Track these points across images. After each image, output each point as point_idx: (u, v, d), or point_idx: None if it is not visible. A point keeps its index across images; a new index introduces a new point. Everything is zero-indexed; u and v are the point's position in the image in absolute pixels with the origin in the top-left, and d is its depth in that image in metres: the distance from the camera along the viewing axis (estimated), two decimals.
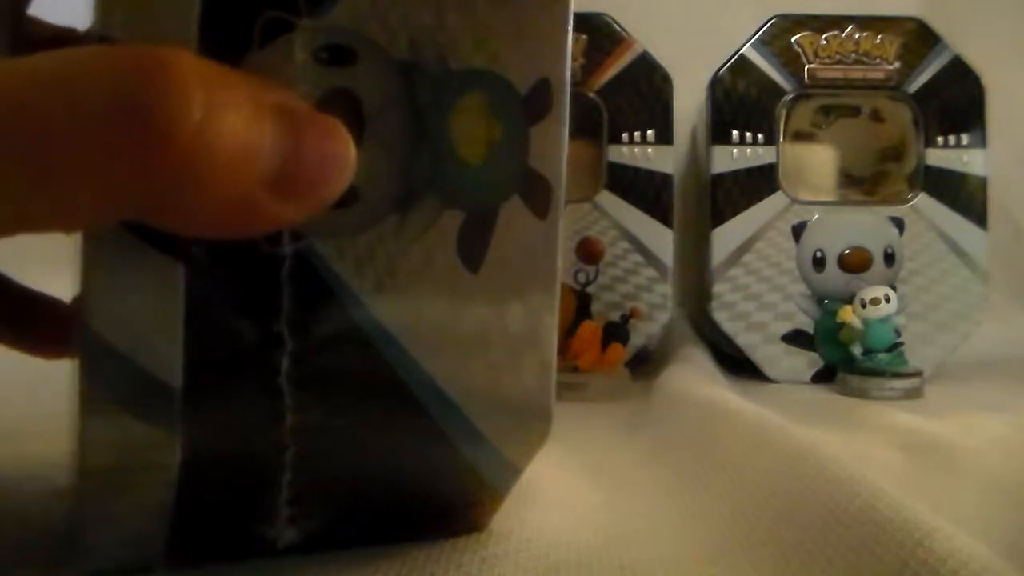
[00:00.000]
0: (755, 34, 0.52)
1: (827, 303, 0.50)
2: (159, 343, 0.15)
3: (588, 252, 0.50)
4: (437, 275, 0.17)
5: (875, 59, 0.51)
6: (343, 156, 0.14)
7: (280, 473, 0.17)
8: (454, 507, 0.20)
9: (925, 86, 0.51)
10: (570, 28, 0.17)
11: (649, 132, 0.51)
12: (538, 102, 0.17)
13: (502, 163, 0.17)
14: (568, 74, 0.18)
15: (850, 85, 0.52)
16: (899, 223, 0.51)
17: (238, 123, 0.13)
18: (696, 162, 0.60)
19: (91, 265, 0.14)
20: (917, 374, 0.46)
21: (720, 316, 0.51)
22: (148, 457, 0.16)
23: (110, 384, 0.15)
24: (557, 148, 0.18)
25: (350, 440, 0.17)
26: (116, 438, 0.15)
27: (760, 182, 0.51)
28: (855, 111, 0.54)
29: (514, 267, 0.18)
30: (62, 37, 0.21)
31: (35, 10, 0.21)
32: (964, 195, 0.51)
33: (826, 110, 0.53)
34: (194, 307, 0.15)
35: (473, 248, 0.17)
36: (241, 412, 0.16)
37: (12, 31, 0.19)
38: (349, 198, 0.16)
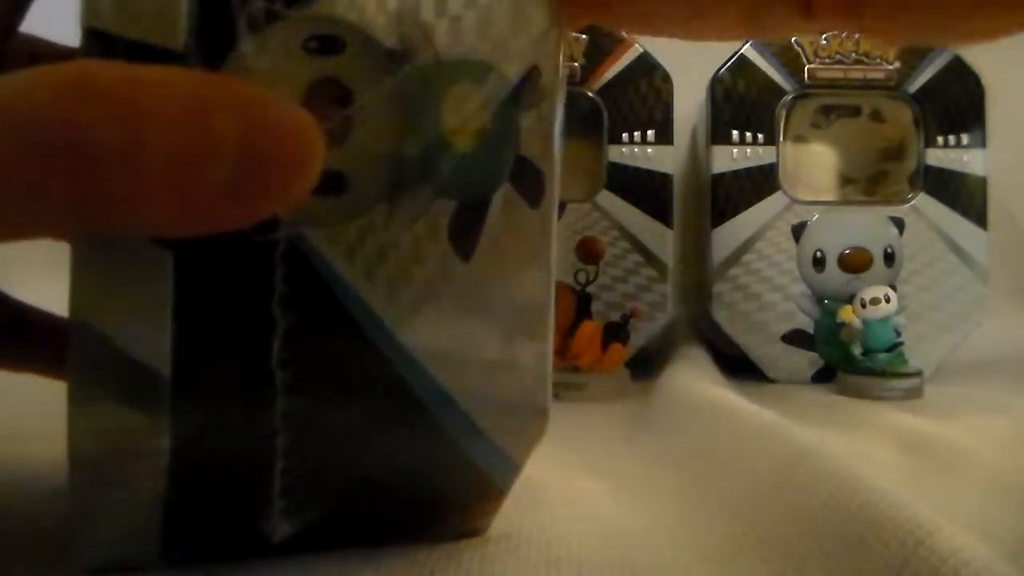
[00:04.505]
0: None
1: (827, 303, 0.50)
2: (147, 330, 0.15)
3: (588, 252, 0.50)
4: (428, 264, 0.17)
5: (875, 59, 0.51)
6: (305, 156, 0.14)
7: (272, 462, 0.17)
8: (455, 503, 0.20)
9: (925, 86, 0.51)
10: (560, 16, 0.17)
11: (649, 132, 0.51)
12: (529, 91, 0.17)
13: (493, 152, 0.17)
14: (560, 63, 0.18)
15: (850, 85, 0.52)
16: (899, 223, 0.51)
17: (177, 132, 0.12)
18: (696, 162, 0.60)
19: (79, 252, 0.14)
20: (917, 374, 0.46)
21: (720, 316, 0.51)
22: (137, 445, 0.16)
23: (98, 371, 0.15)
24: (549, 137, 0.18)
25: (343, 430, 0.17)
26: (104, 426, 0.15)
27: (760, 182, 0.51)
28: (855, 111, 0.54)
29: (507, 256, 0.18)
30: (64, 56, 0.21)
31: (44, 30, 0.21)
32: (964, 195, 0.51)
33: (826, 110, 0.53)
34: (182, 294, 0.15)
35: (465, 237, 0.17)
36: (231, 398, 0.16)
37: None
38: (338, 186, 0.16)
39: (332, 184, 0.16)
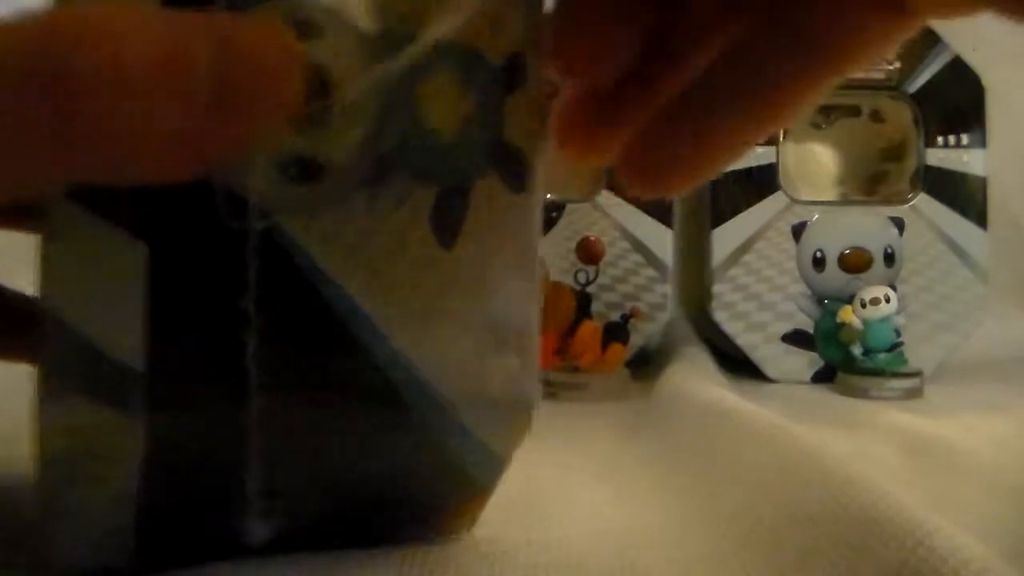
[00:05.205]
0: None
1: (827, 303, 0.50)
2: (119, 325, 0.15)
3: (588, 252, 0.50)
4: (410, 252, 0.16)
5: None
6: (284, 65, 0.14)
7: (248, 461, 0.16)
8: (439, 502, 0.19)
9: (925, 86, 0.51)
10: (544, 2, 0.17)
11: None
12: (512, 76, 0.17)
13: (476, 137, 0.17)
14: (543, 48, 0.17)
15: (850, 85, 0.51)
16: (899, 223, 0.51)
17: (152, 56, 0.12)
18: None
19: (50, 243, 0.14)
20: (917, 374, 0.46)
21: (720, 316, 0.51)
22: (109, 443, 0.15)
23: (69, 367, 0.15)
24: (533, 123, 0.17)
25: (323, 426, 0.17)
26: (75, 423, 0.15)
27: (760, 182, 0.51)
28: (855, 111, 0.54)
29: (491, 245, 0.17)
30: None
31: None
32: (964, 195, 0.51)
33: (826, 110, 0.53)
34: (156, 286, 0.15)
35: (447, 224, 0.17)
36: (206, 393, 0.16)
37: None
38: (315, 173, 0.15)
39: (309, 170, 0.15)
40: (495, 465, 0.19)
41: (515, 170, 0.17)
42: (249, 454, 0.16)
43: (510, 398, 0.18)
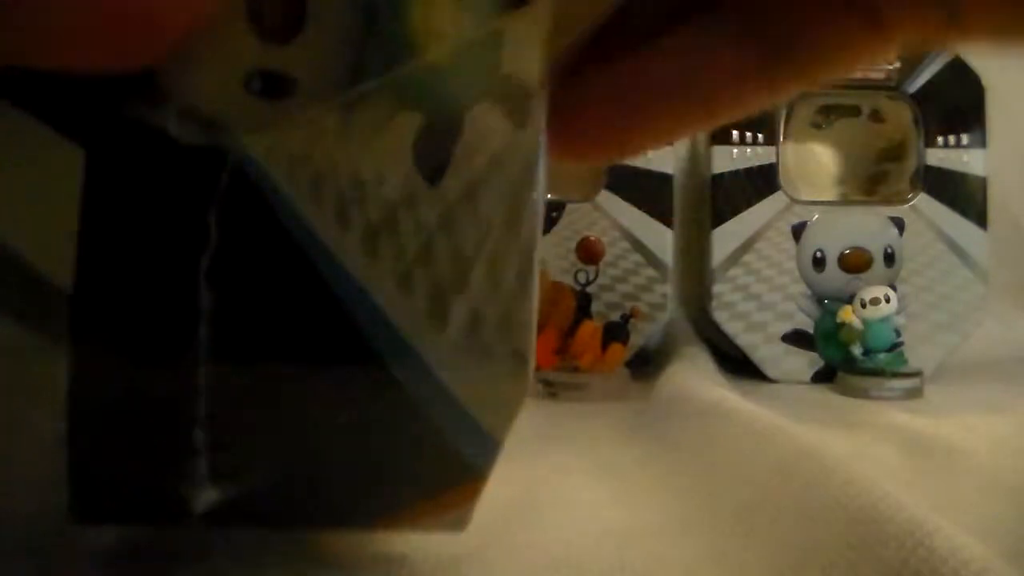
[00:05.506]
0: None
1: (827, 303, 0.50)
2: (47, 234, 0.13)
3: (588, 252, 0.50)
4: (387, 186, 0.15)
5: None
6: None
7: (194, 402, 0.14)
8: (422, 482, 0.17)
9: (925, 86, 0.51)
10: None
11: None
12: None
13: (470, 62, 0.15)
14: None
15: (850, 85, 0.52)
16: (899, 223, 0.51)
17: None
18: (696, 162, 0.60)
19: None
20: (917, 374, 0.46)
21: (720, 316, 0.51)
22: (31, 372, 0.14)
23: None
24: (535, 49, 0.15)
25: (282, 380, 0.15)
26: None
27: (760, 182, 0.51)
28: (855, 111, 0.54)
29: (485, 184, 0.15)
30: None
31: None
32: (964, 195, 0.51)
33: (826, 110, 0.53)
34: (92, 196, 0.13)
35: (433, 157, 0.15)
36: (145, 315, 0.14)
37: None
38: (282, 89, 0.14)
39: (276, 86, 0.14)
40: (486, 444, 0.16)
41: (515, 101, 0.15)
42: (194, 391, 0.14)
43: (502, 362, 0.16)
